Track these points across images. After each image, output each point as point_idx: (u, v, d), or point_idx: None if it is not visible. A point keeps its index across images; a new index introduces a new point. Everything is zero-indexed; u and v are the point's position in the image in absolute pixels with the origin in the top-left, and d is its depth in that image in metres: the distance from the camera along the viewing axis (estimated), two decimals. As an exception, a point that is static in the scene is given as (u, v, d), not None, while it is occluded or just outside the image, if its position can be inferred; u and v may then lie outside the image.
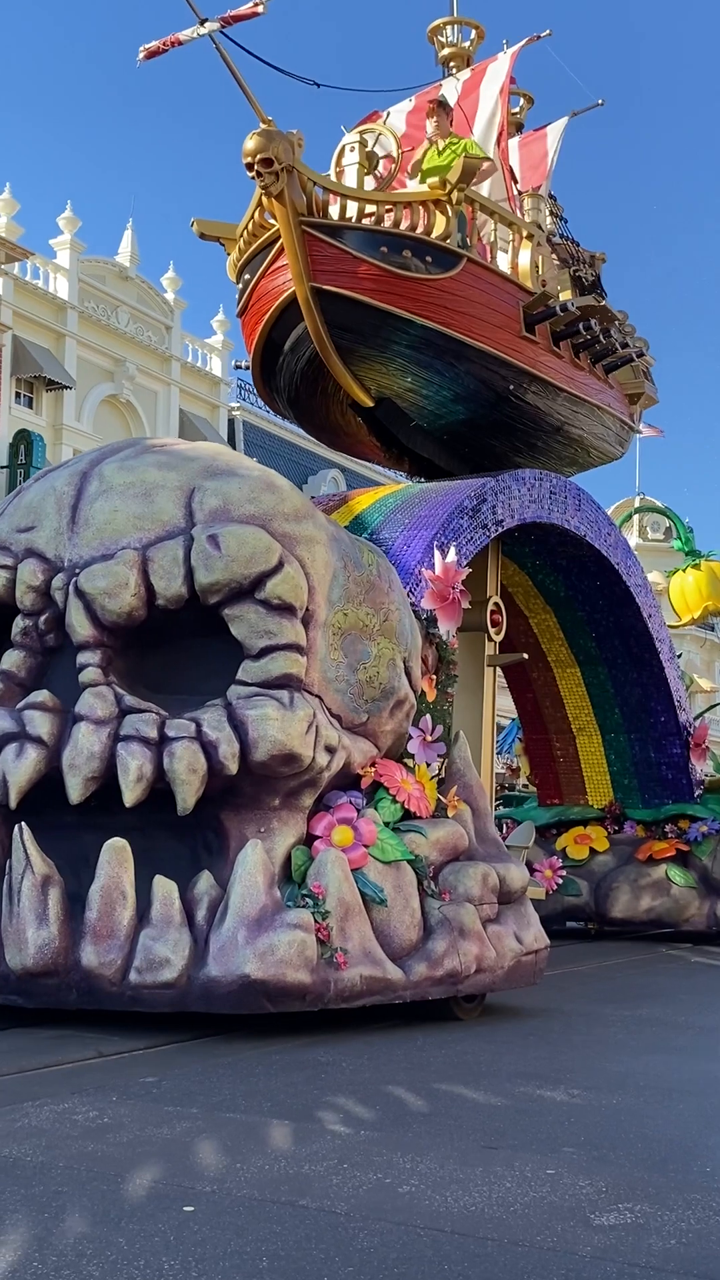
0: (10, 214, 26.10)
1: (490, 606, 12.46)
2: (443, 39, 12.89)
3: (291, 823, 7.73)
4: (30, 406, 26.70)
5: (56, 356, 26.88)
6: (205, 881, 7.43)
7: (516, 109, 14.19)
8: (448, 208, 10.45)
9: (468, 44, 12.88)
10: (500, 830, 15.42)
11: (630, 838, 15.16)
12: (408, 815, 8.40)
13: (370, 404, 10.96)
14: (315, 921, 7.31)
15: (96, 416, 28.57)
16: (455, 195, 10.43)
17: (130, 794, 7.21)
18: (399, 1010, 7.91)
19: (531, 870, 14.88)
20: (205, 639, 7.80)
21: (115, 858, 7.24)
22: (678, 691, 14.79)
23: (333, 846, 7.74)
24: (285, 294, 10.31)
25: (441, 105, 11.80)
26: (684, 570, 16.72)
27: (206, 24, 9.27)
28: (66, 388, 26.92)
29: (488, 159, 11.52)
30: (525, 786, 17.64)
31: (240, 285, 10.86)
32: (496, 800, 19.13)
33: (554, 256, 13.16)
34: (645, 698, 14.77)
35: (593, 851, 15.11)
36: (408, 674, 8.66)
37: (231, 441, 32.28)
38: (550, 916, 14.96)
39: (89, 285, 28.15)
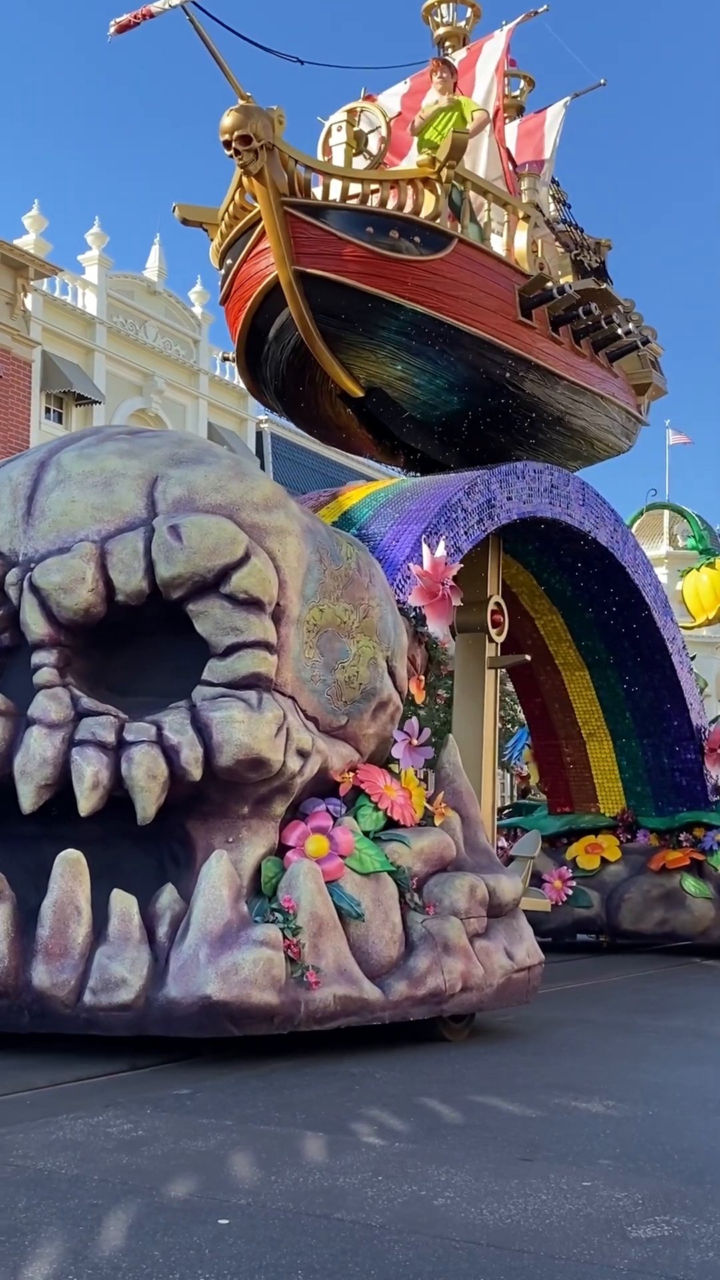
0: (39, 231, 26.21)
1: (491, 606, 11.96)
2: (438, 18, 12.43)
3: (262, 832, 7.24)
4: (60, 421, 26.58)
5: (85, 372, 26.92)
6: (168, 895, 6.95)
7: (517, 92, 13.72)
8: (437, 186, 9.96)
9: (463, 23, 12.41)
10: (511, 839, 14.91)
11: (643, 847, 14.59)
12: (391, 824, 7.91)
13: (360, 394, 10.48)
14: (285, 938, 6.81)
15: (126, 431, 28.31)
16: (445, 173, 9.94)
17: (85, 802, 6.74)
18: (428, 1021, 7.65)
19: (540, 881, 14.36)
20: (173, 637, 7.34)
21: (69, 870, 6.77)
22: (691, 694, 14.23)
23: (306, 857, 7.25)
24: (268, 278, 9.85)
25: (445, 64, 11.33)
26: (698, 569, 16.15)
27: (178, -7, 8.82)
28: (96, 402, 26.90)
29: (481, 109, 11.01)
30: (534, 794, 17.10)
31: (222, 271, 10.40)
32: (506, 808, 18.61)
33: (556, 242, 12.67)
34: (657, 701, 14.22)
35: (604, 861, 14.54)
36: (391, 674, 8.17)
37: (259, 454, 32.21)
38: (561, 929, 14.45)
39: (117, 300, 28.23)
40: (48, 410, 26.29)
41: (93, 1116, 5.38)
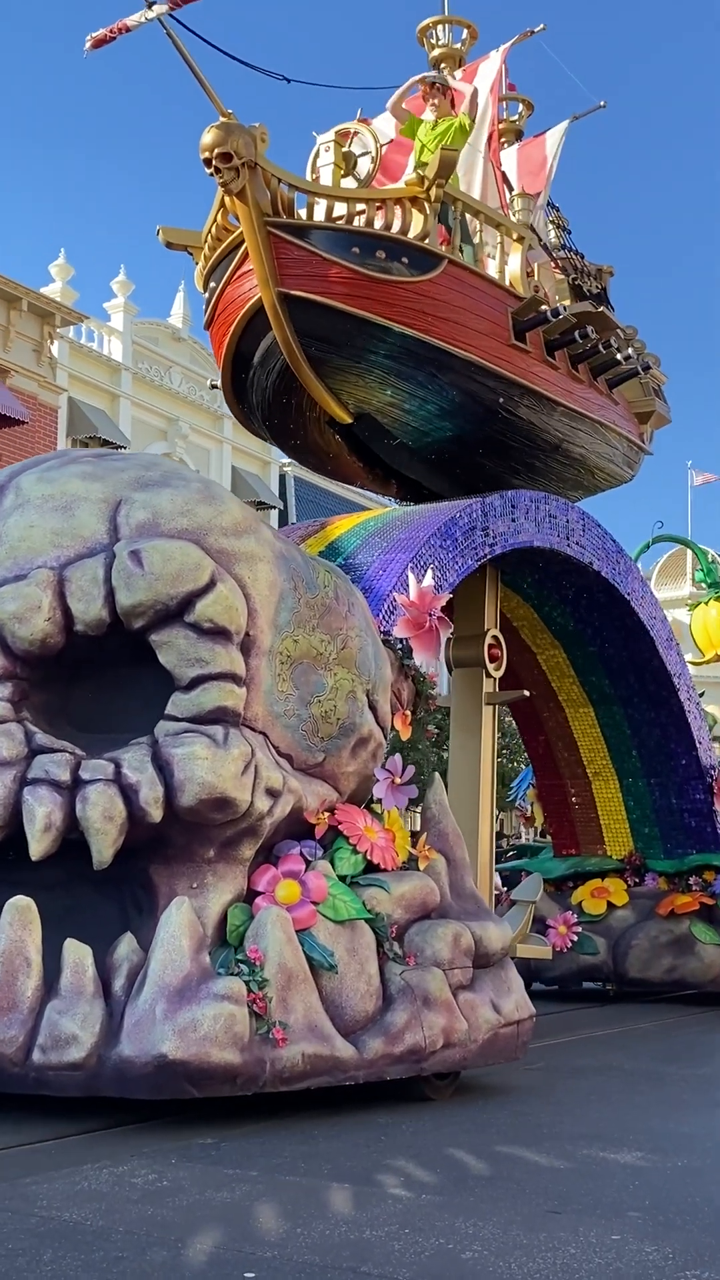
0: (65, 279, 26.44)
1: (489, 640, 11.54)
2: (433, 39, 12.16)
3: (229, 877, 6.80)
4: (85, 466, 26.67)
5: (111, 417, 27.06)
6: (126, 945, 6.51)
7: (515, 116, 13.44)
8: (426, 205, 9.63)
9: (459, 45, 12.13)
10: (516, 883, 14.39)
11: (651, 891, 14.05)
12: (372, 868, 7.46)
13: (348, 420, 10.12)
14: (250, 991, 6.36)
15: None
16: (434, 192, 9.62)
17: (37, 845, 6.32)
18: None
19: (544, 926, 13.84)
20: (139, 670, 6.93)
21: (18, 919, 6.34)
22: (700, 732, 13.73)
23: (276, 904, 6.80)
24: (251, 301, 9.51)
25: (437, 85, 11.03)
26: (706, 603, 15.68)
27: (154, 6, 8.55)
28: (121, 447, 27.06)
29: (471, 115, 10.69)
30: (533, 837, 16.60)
31: (206, 295, 10.08)
32: (509, 850, 18.11)
33: (554, 267, 12.34)
34: (664, 739, 13.73)
35: (611, 906, 14.00)
36: (373, 709, 7.74)
37: (282, 497, 32.40)
38: (566, 976, 13.91)
39: (142, 347, 28.44)
40: None
41: (117, 1166, 5.35)
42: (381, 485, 11.19)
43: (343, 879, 7.23)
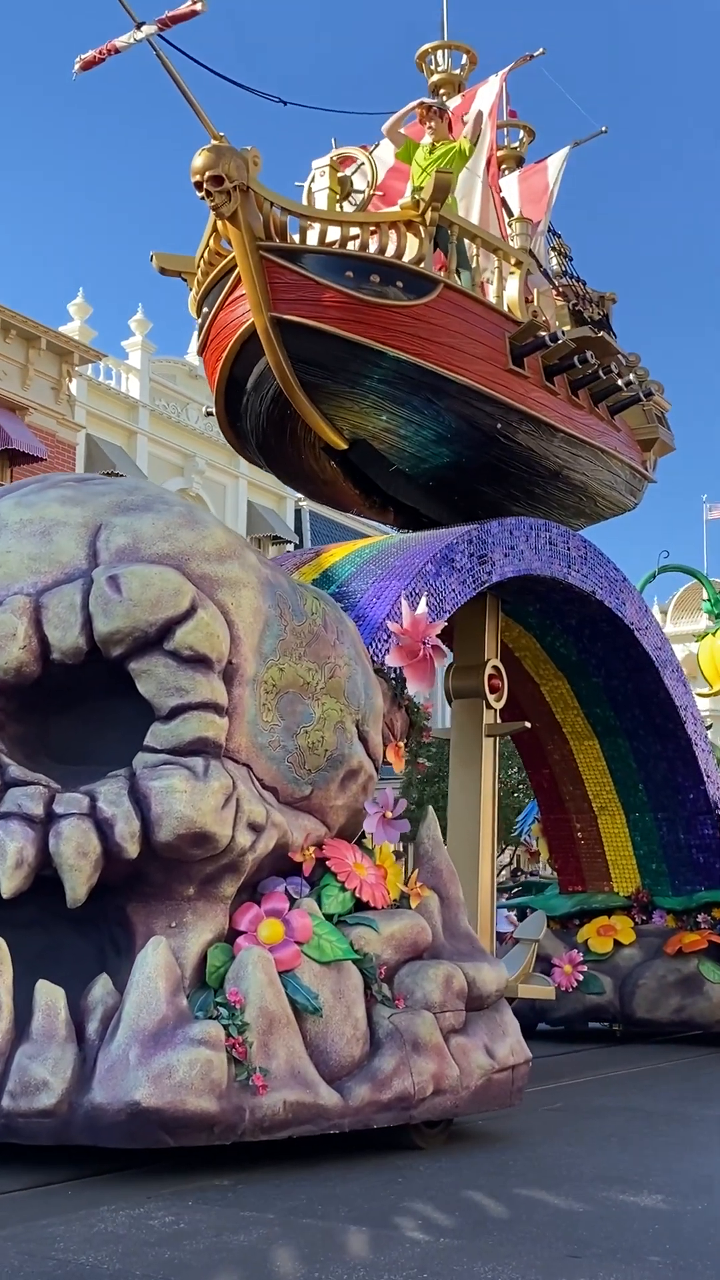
0: (83, 318, 26.62)
1: (489, 670, 11.28)
2: (432, 65, 12.05)
3: (209, 916, 6.55)
4: (103, 502, 26.84)
5: (128, 453, 27.13)
6: (101, 987, 6.27)
7: (517, 143, 13.32)
8: (421, 229, 9.47)
9: (459, 70, 12.02)
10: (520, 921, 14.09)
11: (659, 929, 13.71)
12: (361, 906, 7.20)
13: (343, 446, 9.92)
14: (229, 1036, 6.10)
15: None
16: (429, 215, 9.45)
17: (8, 883, 6.08)
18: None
19: (549, 965, 13.52)
20: (120, 700, 6.72)
21: (-13, 958, 6.10)
22: (708, 765, 13.42)
23: (258, 944, 6.54)
24: (244, 326, 9.34)
25: (436, 110, 10.89)
26: (714, 634, 15.41)
27: (144, 27, 8.43)
28: (145, 479, 27.05)
29: (472, 139, 10.53)
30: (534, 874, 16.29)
31: (199, 320, 9.92)
32: (515, 886, 17.79)
33: (555, 294, 12.17)
34: (671, 773, 13.43)
35: (617, 944, 13.65)
36: (363, 740, 7.51)
37: (298, 531, 32.44)
38: (572, 1016, 13.57)
39: (160, 384, 28.57)
40: None
41: (134, 1208, 5.31)
42: (379, 513, 10.98)
43: (330, 918, 6.98)
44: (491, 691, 11.27)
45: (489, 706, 11.27)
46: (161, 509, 6.90)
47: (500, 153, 13.13)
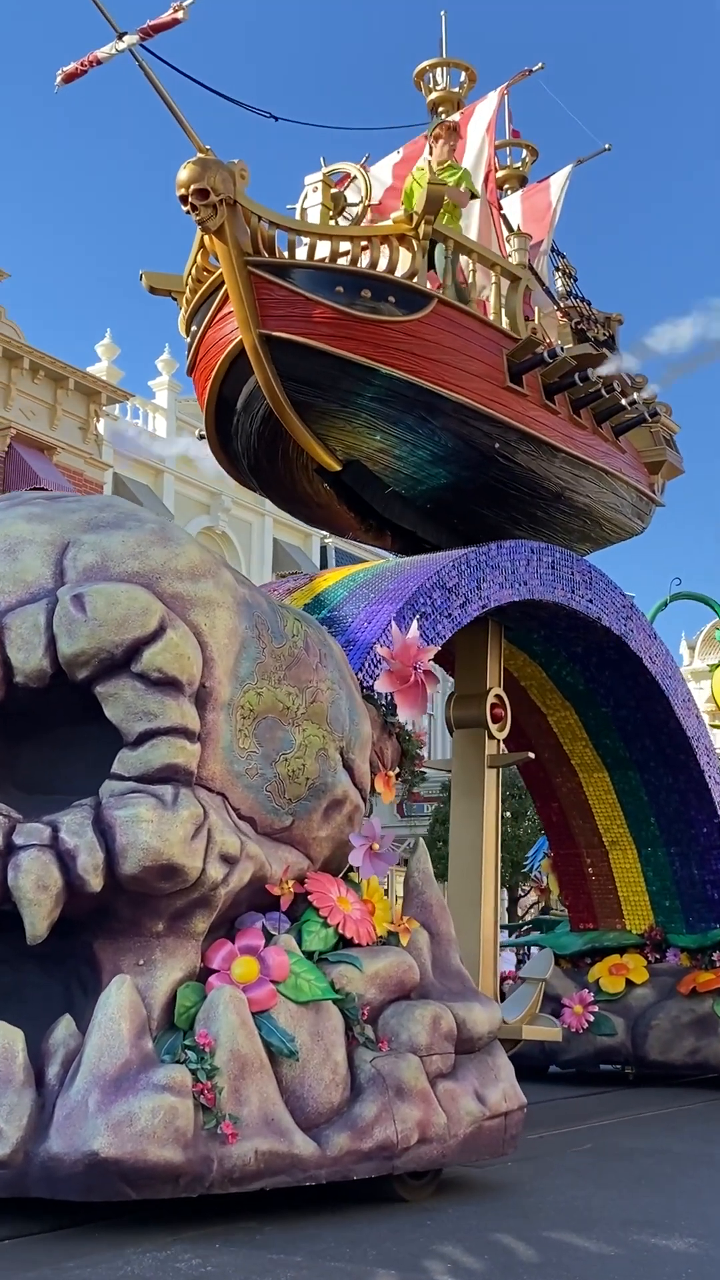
0: (111, 358, 26.88)
1: (491, 699, 10.95)
2: (430, 83, 11.84)
3: (179, 953, 6.20)
4: (128, 540, 27.21)
5: (155, 492, 27.39)
6: (63, 1029, 5.91)
7: (519, 163, 13.10)
8: (414, 242, 9.22)
9: (457, 89, 11.81)
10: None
11: (673, 967, 13.24)
12: (346, 943, 6.84)
13: (336, 468, 9.64)
14: (198, 1081, 5.73)
15: (193, 548, 28.85)
16: (422, 229, 9.20)
17: (-36, 917, 5.76)
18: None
19: (559, 1006, 13.07)
20: (87, 725, 6.40)
21: (-59, 998, 5.77)
22: (721, 798, 13.01)
23: (231, 983, 6.19)
24: (233, 344, 9.10)
25: (452, 129, 10.67)
26: (728, 664, 15.01)
27: (125, 37, 8.24)
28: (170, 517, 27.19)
29: (474, 194, 10.32)
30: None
31: (188, 340, 9.68)
32: (526, 924, 17.33)
33: (560, 314, 11.90)
34: (683, 805, 13.01)
35: (629, 984, 13.18)
36: (349, 768, 7.17)
37: (324, 568, 32.36)
38: (583, 1059, 13.10)
39: (186, 423, 28.66)
40: None
41: (160, 1250, 5.26)
42: (375, 537, 10.68)
43: (311, 955, 6.62)
44: (494, 721, 10.93)
45: (491, 737, 10.93)
46: (133, 526, 6.61)
47: (503, 173, 12.95)
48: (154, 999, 6.01)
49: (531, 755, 11.65)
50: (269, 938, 6.49)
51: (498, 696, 11.01)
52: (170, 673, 6.14)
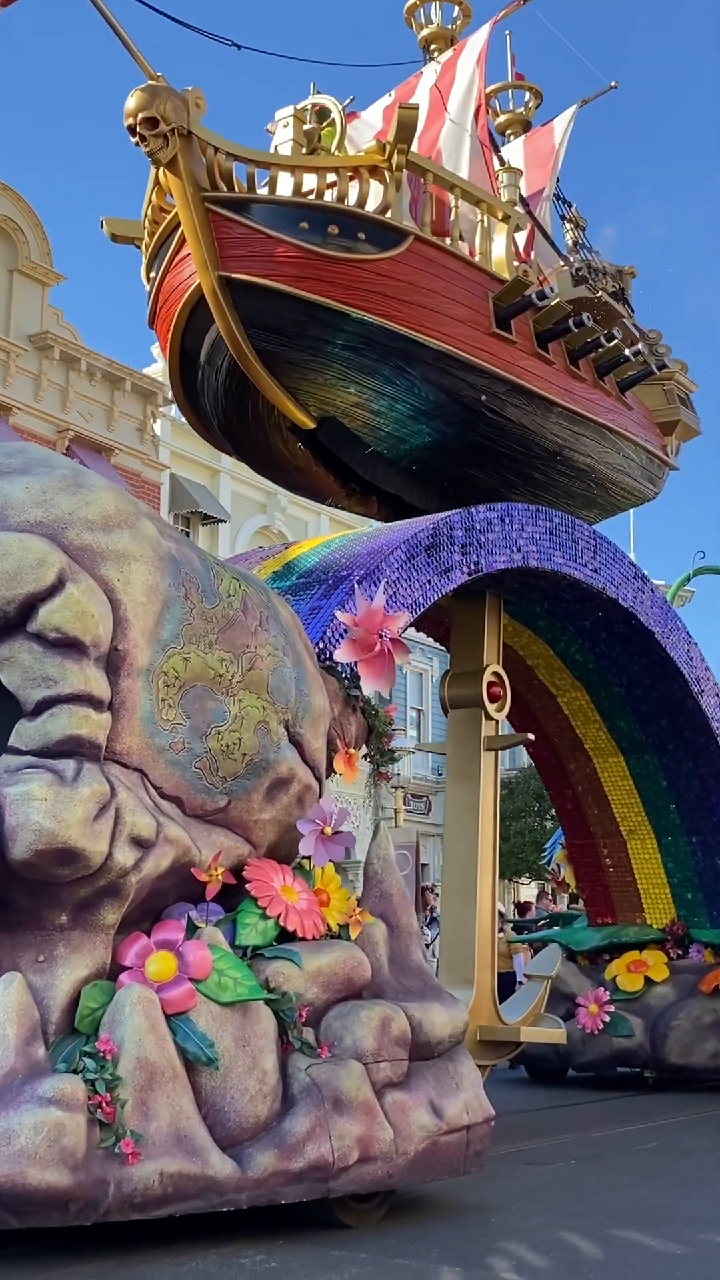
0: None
1: (488, 677, 10.18)
2: (421, 19, 11.07)
3: (85, 948, 5.49)
4: (187, 540, 27.16)
5: (211, 492, 27.24)
6: (-52, 1033, 5.24)
7: (522, 107, 12.30)
8: (386, 174, 8.46)
9: (450, 26, 11.02)
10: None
11: (696, 965, 12.39)
12: (289, 937, 6.13)
13: (310, 425, 8.91)
14: (95, 1093, 5.04)
15: (250, 547, 28.22)
16: (395, 159, 8.44)
17: None
18: (563, 1150, 7.98)
19: (574, 1006, 12.28)
20: (-3, 696, 5.73)
21: None
22: (745, 784, 12.13)
23: (144, 982, 5.48)
24: (191, 289, 8.40)
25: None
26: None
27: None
28: (221, 521, 27.28)
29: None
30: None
31: (149, 288, 8.99)
32: (543, 919, 16.50)
33: (565, 266, 11.10)
34: (705, 792, 12.17)
35: (649, 982, 12.35)
36: (297, 744, 6.46)
37: None
38: (598, 1061, 12.30)
39: None
40: (185, 533, 26.53)
41: (223, 1245, 5.26)
42: (359, 503, 9.93)
43: (250, 950, 5.92)
44: (491, 701, 10.16)
45: (489, 717, 10.16)
46: (41, 472, 5.92)
47: (505, 117, 12.21)
48: (53, 1000, 5.33)
49: (531, 737, 10.87)
50: (193, 931, 5.79)
51: (496, 674, 10.25)
52: (70, 632, 5.45)
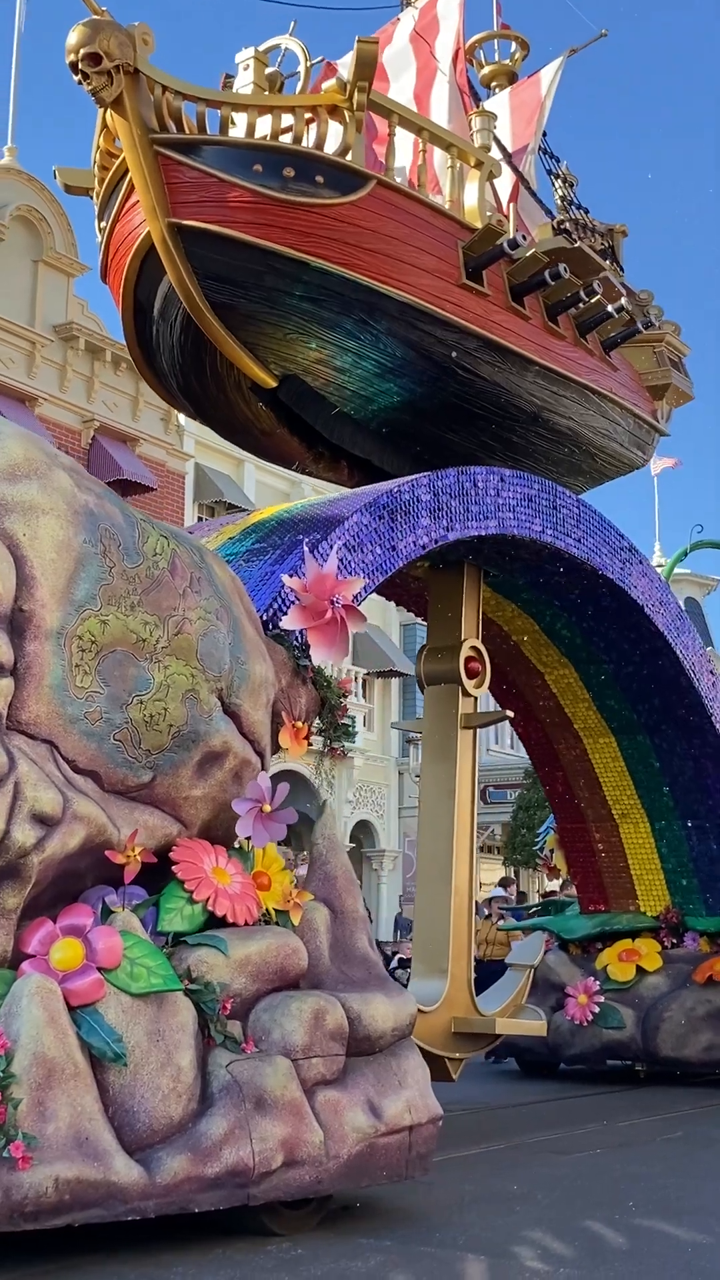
0: None
1: (466, 652, 9.69)
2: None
3: (-16, 933, 5.07)
4: (211, 530, 26.99)
5: (236, 481, 27.11)
6: None
7: (509, 59, 11.76)
8: (345, 114, 7.96)
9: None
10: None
11: (690, 953, 11.91)
12: (219, 923, 5.68)
13: (271, 384, 8.43)
14: (-16, 1091, 4.60)
15: (275, 537, 28.34)
16: (356, 98, 7.94)
17: None
18: (589, 1140, 8.11)
19: (563, 995, 11.82)
20: None
21: None
22: (742, 765, 11.62)
23: (47, 971, 5.04)
24: (141, 238, 7.93)
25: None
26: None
27: None
28: (246, 511, 26.58)
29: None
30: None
31: (100, 239, 8.52)
32: (533, 906, 16.02)
33: (552, 224, 10.57)
34: (700, 774, 11.66)
35: (640, 971, 11.87)
36: (233, 715, 6.01)
37: None
38: (587, 1054, 11.83)
39: None
40: (200, 519, 26.47)
41: (251, 1234, 5.27)
42: (329, 468, 9.44)
43: (173, 937, 5.48)
44: (470, 676, 9.68)
45: (467, 694, 9.67)
46: (-54, 419, 5.48)
47: (490, 69, 11.66)
48: (-55, 989, 4.90)
49: (510, 714, 10.40)
50: (108, 915, 5.34)
51: (474, 649, 9.76)
52: (-35, 590, 5.00)
